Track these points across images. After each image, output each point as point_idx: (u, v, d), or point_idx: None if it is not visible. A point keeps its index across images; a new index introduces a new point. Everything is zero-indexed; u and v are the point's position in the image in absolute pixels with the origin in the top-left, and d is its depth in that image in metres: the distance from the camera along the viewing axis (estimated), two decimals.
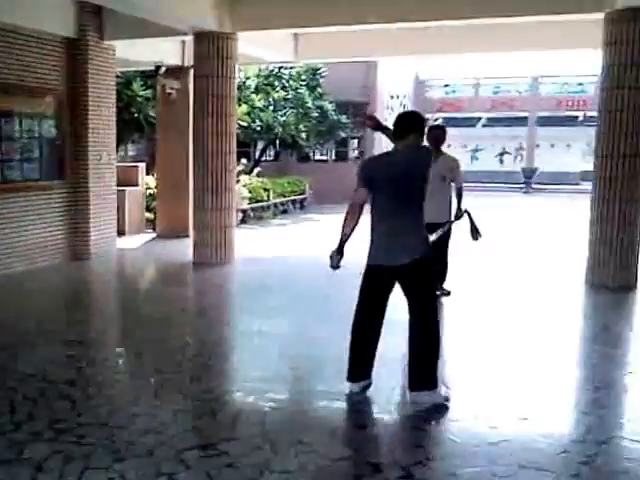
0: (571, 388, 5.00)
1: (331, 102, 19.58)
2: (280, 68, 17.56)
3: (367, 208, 4.48)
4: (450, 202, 7.33)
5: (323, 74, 18.97)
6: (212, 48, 9.46)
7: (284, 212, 18.14)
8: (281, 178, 18.80)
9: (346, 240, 4.46)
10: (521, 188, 28.60)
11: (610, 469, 3.64)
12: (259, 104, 17.00)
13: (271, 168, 20.42)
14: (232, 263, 9.94)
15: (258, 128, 17.10)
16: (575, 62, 22.94)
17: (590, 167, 8.86)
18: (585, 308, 7.78)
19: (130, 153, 20.74)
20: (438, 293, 6.73)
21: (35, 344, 5.78)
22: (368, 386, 4.57)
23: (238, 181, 13.27)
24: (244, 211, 15.36)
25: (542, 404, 4.50)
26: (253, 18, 9.35)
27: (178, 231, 12.30)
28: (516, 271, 9.51)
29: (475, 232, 7.36)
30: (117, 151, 11.93)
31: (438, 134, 7.42)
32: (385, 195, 4.36)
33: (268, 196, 17.02)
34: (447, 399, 4.47)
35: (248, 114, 16.25)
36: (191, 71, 10.90)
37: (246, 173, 16.78)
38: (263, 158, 20.98)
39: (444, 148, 7.56)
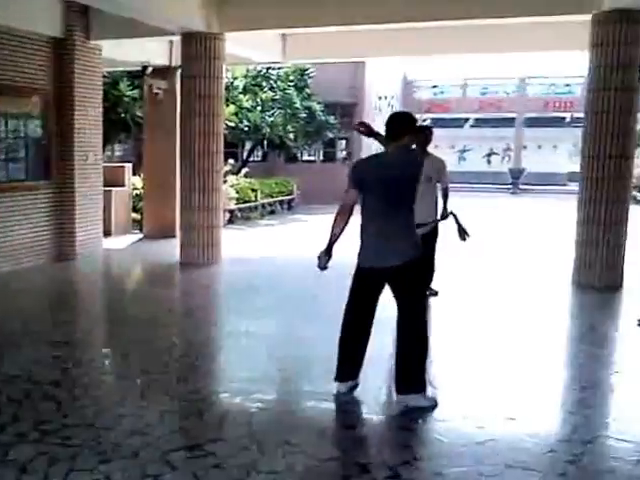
0: (558, 388, 5.01)
1: (319, 103, 19.61)
2: (268, 68, 17.53)
3: (357, 209, 4.47)
4: (436, 203, 7.33)
5: (311, 75, 18.98)
6: (200, 48, 9.43)
7: (272, 212, 18.12)
8: (269, 178, 18.78)
9: (335, 241, 4.45)
10: (508, 189, 28.72)
11: (596, 468, 3.67)
12: (247, 104, 17.00)
13: (259, 168, 20.39)
14: (219, 263, 9.91)
15: (246, 128, 17.10)
16: (562, 63, 23.04)
17: (577, 168, 8.90)
18: (572, 308, 7.82)
19: (117, 153, 20.68)
20: (427, 293, 6.72)
21: (20, 345, 5.74)
22: (355, 387, 4.56)
23: (225, 181, 13.24)
24: (231, 211, 15.33)
25: (529, 404, 4.52)
26: (241, 18, 9.33)
27: (165, 231, 12.25)
28: (503, 271, 9.55)
29: (463, 233, 7.37)
30: (104, 151, 11.90)
31: (424, 135, 7.41)
32: (375, 196, 4.35)
33: (256, 196, 16.99)
34: (434, 403, 4.42)
35: (236, 114, 16.24)
36: (178, 71, 10.88)
37: (234, 173, 16.75)
38: (251, 158, 20.96)
39: (431, 149, 7.55)
